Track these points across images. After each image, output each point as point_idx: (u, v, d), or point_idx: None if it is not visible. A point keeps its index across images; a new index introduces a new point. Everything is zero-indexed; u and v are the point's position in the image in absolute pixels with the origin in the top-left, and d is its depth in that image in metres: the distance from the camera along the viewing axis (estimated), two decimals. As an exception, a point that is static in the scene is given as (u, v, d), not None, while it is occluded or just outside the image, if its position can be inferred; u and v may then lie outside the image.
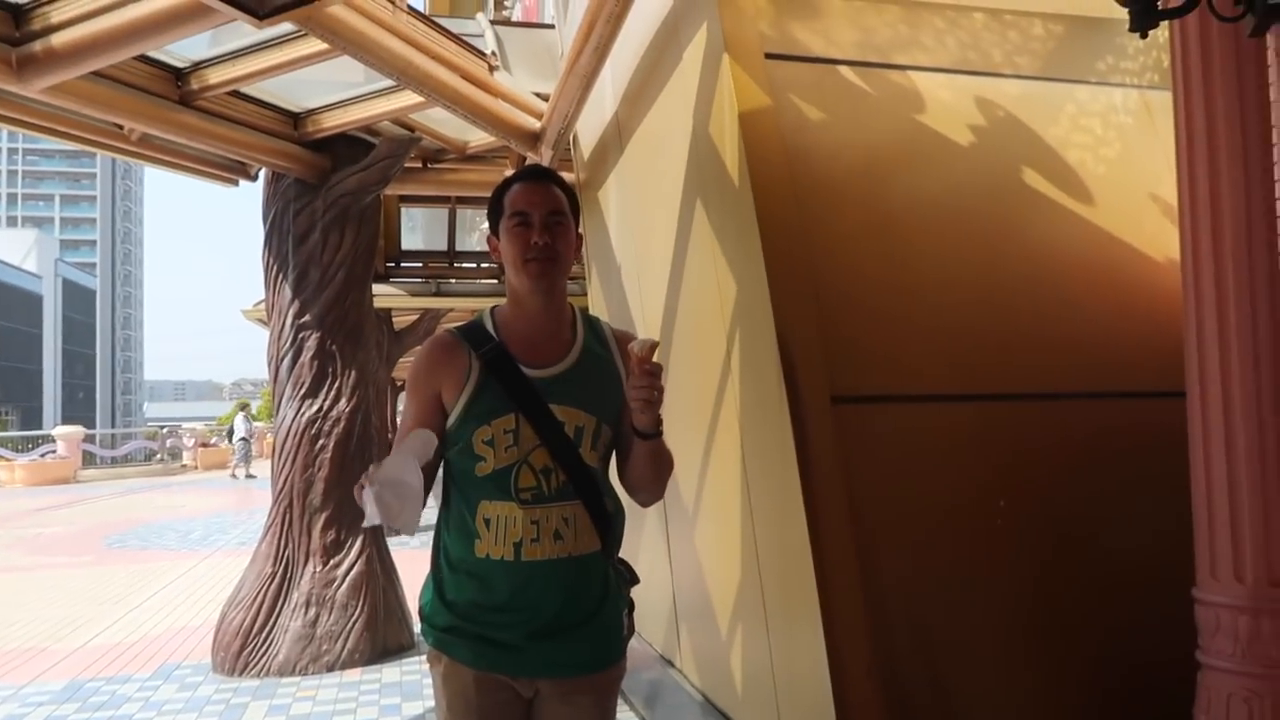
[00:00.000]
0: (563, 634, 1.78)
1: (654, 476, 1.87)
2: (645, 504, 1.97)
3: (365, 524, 1.58)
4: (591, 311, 4.90)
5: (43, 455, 27.15)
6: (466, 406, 1.77)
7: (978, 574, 2.47)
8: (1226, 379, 1.82)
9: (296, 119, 5.52)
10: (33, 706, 4.77)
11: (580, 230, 1.93)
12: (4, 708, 4.76)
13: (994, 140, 2.90)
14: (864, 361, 2.55)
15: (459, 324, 1.93)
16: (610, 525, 1.84)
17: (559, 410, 1.78)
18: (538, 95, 4.99)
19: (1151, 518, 2.60)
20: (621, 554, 1.96)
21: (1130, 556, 2.58)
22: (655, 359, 1.71)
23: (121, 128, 5.12)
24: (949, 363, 2.62)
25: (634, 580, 1.94)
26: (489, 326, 1.86)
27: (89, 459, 28.89)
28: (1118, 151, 2.99)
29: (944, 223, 2.76)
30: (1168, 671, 2.28)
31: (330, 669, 5.18)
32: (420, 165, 6.74)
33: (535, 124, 4.91)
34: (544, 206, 1.81)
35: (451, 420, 1.79)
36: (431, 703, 1.92)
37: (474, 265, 10.16)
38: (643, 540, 4.10)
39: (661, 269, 3.55)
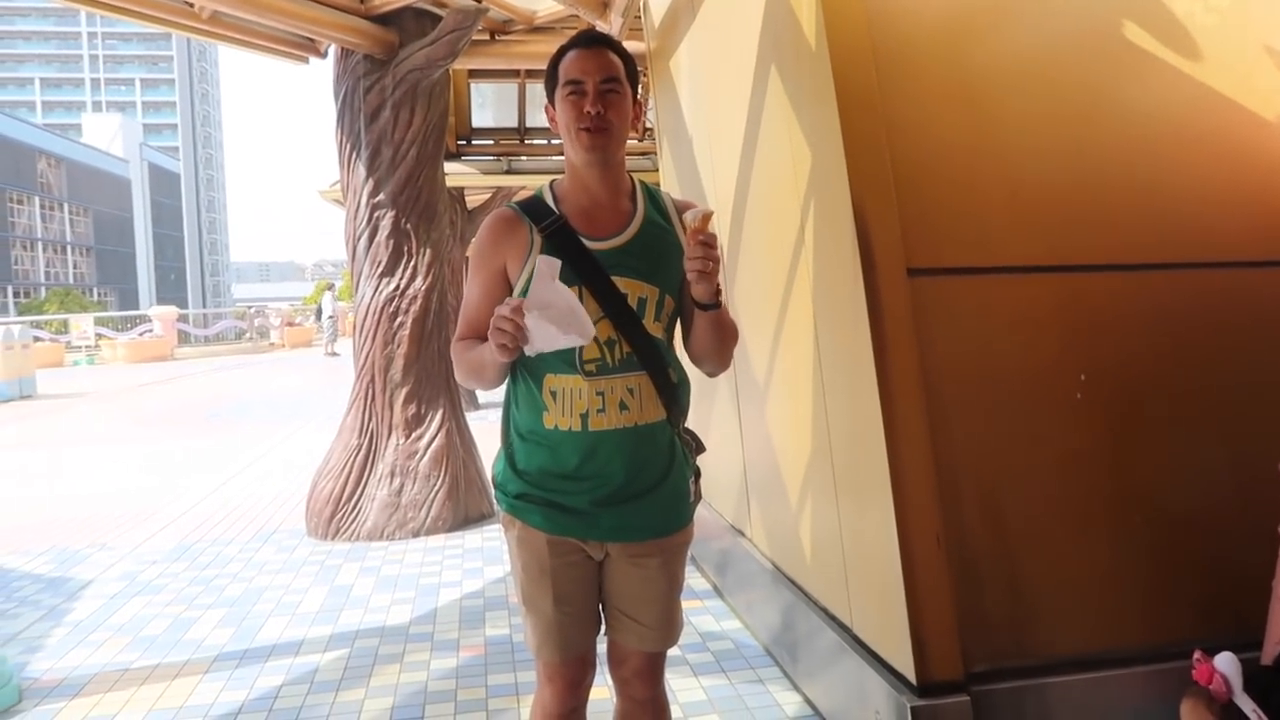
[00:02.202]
0: (630, 501, 1.81)
1: (717, 347, 1.86)
2: (711, 374, 1.97)
3: (531, 352, 1.61)
4: (663, 185, 4.84)
5: (141, 334, 28.58)
6: (529, 281, 1.77)
7: (1052, 447, 2.44)
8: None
9: (362, -9, 5.44)
10: (148, 563, 5.16)
11: (641, 98, 1.87)
12: (123, 565, 5.16)
13: (1093, -8, 2.69)
14: (942, 232, 2.47)
15: (519, 199, 1.91)
16: (675, 395, 1.85)
17: (621, 282, 1.77)
18: (606, -41, 4.81)
19: (1241, 390, 2.52)
20: (693, 426, 1.97)
21: (1215, 430, 2.51)
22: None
23: (192, 5, 5.11)
24: (1032, 232, 2.52)
25: (700, 449, 1.96)
26: (549, 200, 1.84)
27: (183, 337, 30.36)
28: (1231, 1, 2.75)
29: (1033, 84, 2.60)
30: (1247, 543, 2.25)
31: (415, 535, 5.45)
32: (488, 37, 6.62)
33: (604, -10, 4.74)
34: (598, 74, 1.76)
35: (515, 295, 1.80)
36: (509, 566, 2.00)
37: (545, 142, 10.06)
38: (714, 412, 4.14)
39: (734, 139, 3.45)
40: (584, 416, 1.77)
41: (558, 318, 1.58)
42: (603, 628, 1.94)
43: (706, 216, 1.67)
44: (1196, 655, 1.89)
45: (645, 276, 1.79)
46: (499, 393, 1.90)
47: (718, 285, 1.74)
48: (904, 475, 2.26)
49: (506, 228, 1.82)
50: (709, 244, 1.67)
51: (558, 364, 1.77)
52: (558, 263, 1.61)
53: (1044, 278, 2.51)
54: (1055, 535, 2.40)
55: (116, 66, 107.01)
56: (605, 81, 1.76)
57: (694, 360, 1.92)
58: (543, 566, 1.84)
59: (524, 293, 1.75)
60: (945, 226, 2.48)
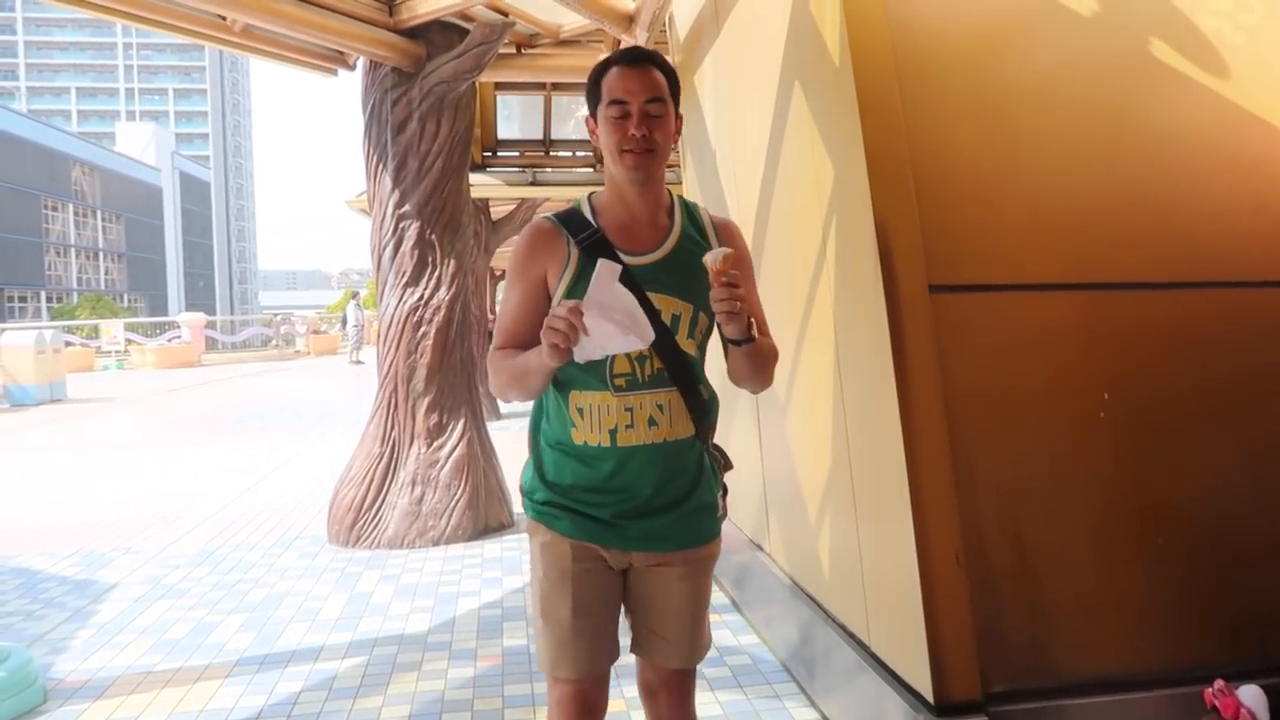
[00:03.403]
0: (655, 514, 1.81)
1: (752, 372, 1.83)
2: (754, 392, 1.95)
3: (581, 358, 1.58)
4: (687, 197, 4.85)
5: (169, 340, 28.93)
6: (564, 295, 1.77)
7: (1075, 466, 2.42)
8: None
9: (391, 6, 5.51)
10: (172, 568, 5.21)
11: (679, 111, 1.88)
12: (147, 569, 5.22)
13: (1118, 8, 2.68)
14: (964, 249, 2.46)
15: (557, 211, 1.91)
16: (705, 412, 1.84)
17: (656, 298, 1.76)
18: (632, -26, 4.84)
19: (1267, 411, 2.49)
20: (715, 440, 1.97)
21: (1240, 451, 2.48)
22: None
23: (224, 19, 5.20)
24: (1055, 250, 2.51)
25: (728, 465, 1.96)
26: (587, 213, 1.84)
27: (211, 344, 30.72)
28: (1260, 18, 2.73)
29: (1058, 101, 2.60)
30: (1273, 566, 2.22)
31: (435, 543, 5.47)
32: (514, 51, 6.68)
33: (630, 5, 4.77)
34: (643, 94, 1.75)
35: (555, 302, 1.80)
36: (530, 576, 2.00)
37: (569, 154, 10.12)
38: (734, 426, 4.14)
39: (757, 154, 3.46)
40: (612, 432, 1.77)
41: (618, 318, 1.56)
42: (623, 649, 1.92)
43: (728, 258, 1.63)
44: (1218, 685, 1.86)
45: (679, 293, 1.79)
46: (521, 404, 1.90)
47: (748, 321, 1.71)
48: (924, 492, 2.25)
49: (544, 239, 1.82)
50: (733, 284, 1.63)
51: (586, 379, 1.77)
52: (619, 267, 1.59)
53: (1066, 295, 2.50)
54: (1076, 555, 2.38)
55: (150, 77, 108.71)
56: (650, 101, 1.76)
57: (734, 382, 1.88)
58: (564, 572, 1.83)
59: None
60: (967, 243, 2.47)
